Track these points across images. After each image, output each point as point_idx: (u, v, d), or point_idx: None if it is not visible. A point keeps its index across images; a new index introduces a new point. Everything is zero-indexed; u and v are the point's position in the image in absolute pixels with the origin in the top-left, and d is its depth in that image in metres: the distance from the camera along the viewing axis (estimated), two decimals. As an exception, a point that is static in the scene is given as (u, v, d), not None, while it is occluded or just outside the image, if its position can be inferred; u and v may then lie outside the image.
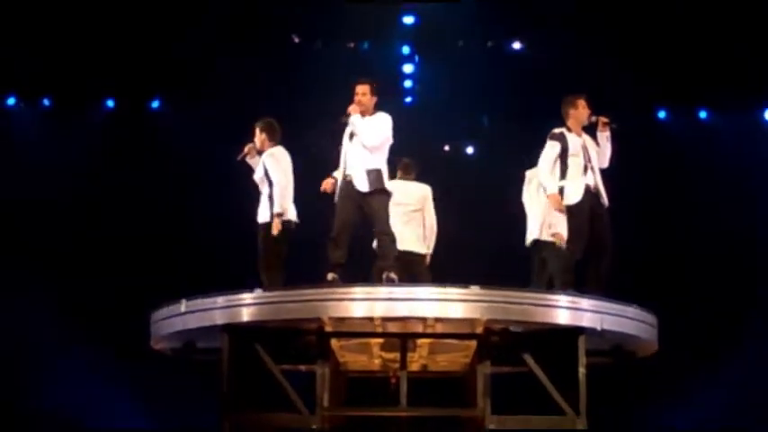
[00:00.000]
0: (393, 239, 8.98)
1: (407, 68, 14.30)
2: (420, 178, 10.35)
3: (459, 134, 14.57)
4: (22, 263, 13.24)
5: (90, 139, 13.87)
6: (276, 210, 9.07)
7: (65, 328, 12.94)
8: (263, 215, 9.26)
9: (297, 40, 14.02)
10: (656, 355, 9.30)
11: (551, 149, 9.21)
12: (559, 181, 9.12)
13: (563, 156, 9.17)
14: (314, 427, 8.06)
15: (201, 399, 9.95)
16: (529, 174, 9.95)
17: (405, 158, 10.30)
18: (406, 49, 14.32)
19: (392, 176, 9.59)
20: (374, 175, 8.99)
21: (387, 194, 9.06)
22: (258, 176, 9.33)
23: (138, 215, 13.48)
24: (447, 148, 14.61)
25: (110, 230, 13.46)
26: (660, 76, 13.41)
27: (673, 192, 13.51)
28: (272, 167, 9.24)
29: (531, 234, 9.66)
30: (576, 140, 9.24)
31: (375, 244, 9.14)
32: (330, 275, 8.72)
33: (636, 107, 13.51)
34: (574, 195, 9.08)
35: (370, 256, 9.29)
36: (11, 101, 14.22)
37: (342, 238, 8.91)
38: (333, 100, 13.19)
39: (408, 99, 14.34)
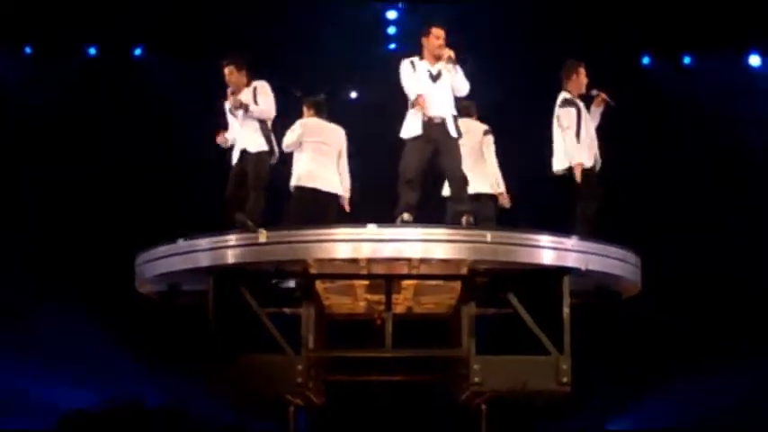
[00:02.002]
0: (467, 183, 8.99)
1: (391, 14, 14.20)
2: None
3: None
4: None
5: (72, 87, 13.76)
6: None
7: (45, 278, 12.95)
8: (255, 144, 9.26)
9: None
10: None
11: (569, 115, 9.32)
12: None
13: (578, 120, 9.33)
14: (299, 367, 8.10)
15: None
16: (468, 128, 9.99)
17: (318, 97, 10.24)
18: (390, -5, 14.24)
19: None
20: (456, 123, 9.03)
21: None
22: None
23: (122, 162, 13.43)
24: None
25: (93, 178, 13.39)
26: (644, 21, 13.37)
27: (657, 137, 13.50)
28: (263, 96, 9.31)
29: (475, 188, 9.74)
30: (581, 105, 9.43)
31: (450, 188, 9.12)
32: (406, 215, 8.63)
33: (619, 53, 13.49)
34: (588, 160, 9.32)
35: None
36: (-8, 48, 14.13)
37: (418, 180, 8.88)
38: (314, 46, 13.28)
39: (392, 46, 14.25)
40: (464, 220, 8.67)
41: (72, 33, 13.71)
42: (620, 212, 11.04)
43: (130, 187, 13.34)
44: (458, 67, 9.00)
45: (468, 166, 9.30)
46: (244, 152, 9.30)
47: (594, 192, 9.29)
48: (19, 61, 14.00)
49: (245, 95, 9.34)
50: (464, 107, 9.97)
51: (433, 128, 8.90)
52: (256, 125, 9.30)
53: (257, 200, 9.07)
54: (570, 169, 9.22)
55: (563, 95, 9.45)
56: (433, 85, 8.98)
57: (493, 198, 9.89)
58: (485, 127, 10.06)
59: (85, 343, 12.50)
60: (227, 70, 9.41)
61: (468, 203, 8.84)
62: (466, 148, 9.52)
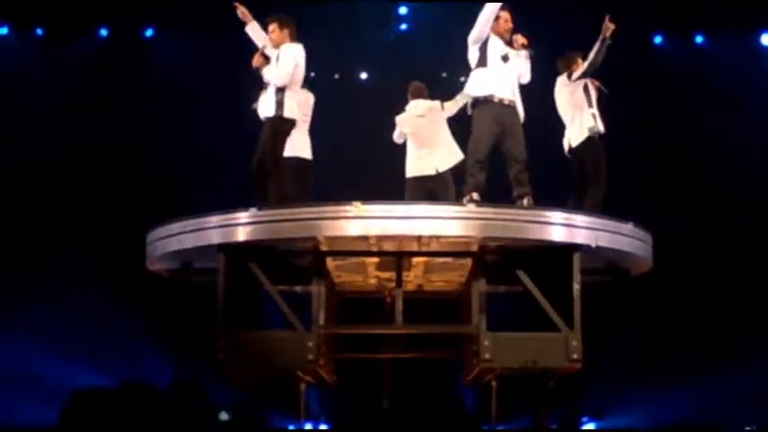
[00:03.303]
0: (528, 166, 8.96)
1: (403, -4, 14.18)
2: None
3: (455, 62, 14.44)
4: (12, 193, 13.24)
5: (84, 68, 13.78)
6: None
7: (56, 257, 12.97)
8: (266, 108, 9.02)
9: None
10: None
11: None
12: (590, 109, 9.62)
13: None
14: (310, 343, 8.10)
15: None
16: (431, 106, 9.89)
17: None
18: (402, -27, 14.19)
19: None
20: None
21: None
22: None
23: (133, 143, 13.44)
24: (444, 75, 14.51)
25: (104, 159, 13.40)
26: (656, 1, 13.31)
27: (669, 117, 13.45)
28: (283, 59, 9.00)
29: (437, 166, 9.68)
30: None
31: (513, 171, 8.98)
32: (475, 195, 8.69)
33: (632, 32, 13.42)
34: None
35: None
36: (4, 30, 14.11)
37: (487, 161, 8.93)
38: (326, 26, 13.24)
39: (404, 26, 14.23)
40: (526, 201, 8.71)
41: (83, 15, 13.71)
42: (626, 192, 11.02)
43: (145, 167, 13.35)
44: (529, 57, 9.07)
45: (443, 139, 9.61)
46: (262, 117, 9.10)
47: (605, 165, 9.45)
48: (32, 43, 14.04)
49: (273, 54, 9.10)
50: (417, 89, 9.98)
51: (503, 110, 8.92)
52: (273, 88, 8.99)
53: (278, 180, 8.90)
54: (596, 133, 9.47)
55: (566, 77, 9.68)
56: (503, 66, 8.99)
57: None
58: (438, 102, 10.01)
59: (99, 325, 12.57)
60: (270, 27, 9.24)
61: (528, 185, 8.85)
62: (437, 125, 9.58)
